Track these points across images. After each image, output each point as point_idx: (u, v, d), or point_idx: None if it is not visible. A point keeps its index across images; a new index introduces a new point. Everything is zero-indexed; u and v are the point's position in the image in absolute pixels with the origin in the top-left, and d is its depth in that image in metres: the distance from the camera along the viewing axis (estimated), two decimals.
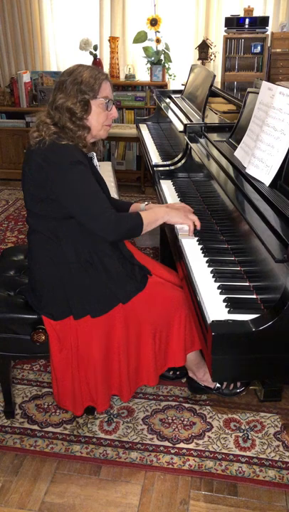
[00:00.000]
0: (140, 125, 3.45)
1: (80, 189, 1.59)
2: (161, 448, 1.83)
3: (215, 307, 1.35)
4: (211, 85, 2.38)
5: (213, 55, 4.51)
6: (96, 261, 1.69)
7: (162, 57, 4.47)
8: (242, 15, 4.43)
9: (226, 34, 4.41)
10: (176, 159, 2.39)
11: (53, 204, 1.63)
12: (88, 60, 4.49)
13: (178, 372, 2.12)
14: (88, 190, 1.60)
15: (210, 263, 1.60)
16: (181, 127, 2.35)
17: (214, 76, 2.39)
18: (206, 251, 1.67)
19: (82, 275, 1.68)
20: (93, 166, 1.72)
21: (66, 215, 1.64)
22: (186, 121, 2.37)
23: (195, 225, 1.77)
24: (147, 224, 1.69)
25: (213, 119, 2.50)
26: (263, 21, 4.34)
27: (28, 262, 1.82)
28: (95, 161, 1.76)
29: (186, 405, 2.02)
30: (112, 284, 1.69)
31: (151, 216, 1.73)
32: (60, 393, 1.81)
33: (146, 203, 1.98)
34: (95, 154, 1.76)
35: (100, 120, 1.68)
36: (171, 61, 4.51)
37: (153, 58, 4.47)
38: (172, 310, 1.78)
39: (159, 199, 2.22)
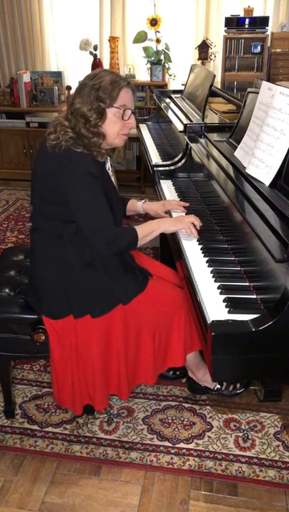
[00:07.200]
0: (140, 125, 3.44)
1: (87, 201, 1.59)
2: (161, 448, 1.83)
3: (215, 307, 1.35)
4: (211, 85, 2.38)
5: (213, 55, 4.50)
6: (97, 262, 1.69)
7: (162, 57, 4.47)
8: (242, 15, 4.42)
9: (225, 34, 4.40)
10: (176, 159, 2.39)
11: (63, 207, 1.63)
12: (88, 60, 4.49)
13: (178, 372, 2.12)
14: (94, 204, 1.60)
15: (210, 263, 1.60)
16: (181, 127, 2.35)
17: (214, 76, 2.39)
18: (206, 251, 1.67)
19: (83, 275, 1.69)
20: (105, 172, 1.71)
21: (73, 218, 1.64)
22: (186, 121, 2.37)
23: (195, 225, 1.76)
24: (142, 238, 1.69)
25: (213, 119, 2.50)
26: (263, 21, 4.33)
27: (30, 260, 1.82)
28: (108, 165, 1.75)
29: (186, 405, 2.02)
30: (113, 285, 1.69)
31: (146, 230, 1.71)
32: (60, 392, 1.81)
33: (143, 201, 1.99)
34: (108, 158, 1.76)
35: (115, 129, 1.66)
36: (171, 61, 4.50)
37: (153, 58, 4.46)
38: (172, 310, 1.78)
39: (159, 199, 2.21)
